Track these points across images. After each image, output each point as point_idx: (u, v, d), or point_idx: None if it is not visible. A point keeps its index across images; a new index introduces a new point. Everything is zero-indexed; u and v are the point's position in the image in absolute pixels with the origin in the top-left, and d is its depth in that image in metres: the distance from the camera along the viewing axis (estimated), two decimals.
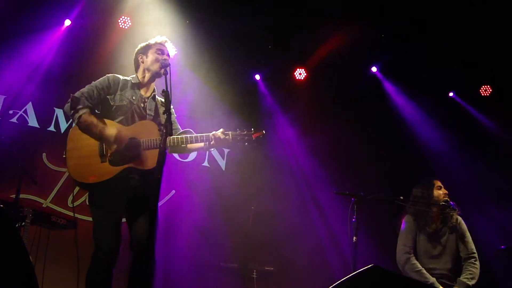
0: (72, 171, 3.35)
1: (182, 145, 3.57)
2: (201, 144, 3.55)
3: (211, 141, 3.45)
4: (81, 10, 6.28)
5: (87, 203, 3.50)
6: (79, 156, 3.37)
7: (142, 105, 3.58)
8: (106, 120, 3.45)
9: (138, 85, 3.63)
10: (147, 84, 3.67)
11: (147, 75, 3.67)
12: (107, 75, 3.64)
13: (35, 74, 6.15)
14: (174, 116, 3.81)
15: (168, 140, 3.27)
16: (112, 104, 3.50)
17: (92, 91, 3.49)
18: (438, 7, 6.08)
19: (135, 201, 3.38)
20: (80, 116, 3.39)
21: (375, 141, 7.27)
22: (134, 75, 3.71)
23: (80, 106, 3.40)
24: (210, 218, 6.64)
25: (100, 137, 3.35)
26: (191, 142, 3.49)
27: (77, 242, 3.85)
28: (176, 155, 6.82)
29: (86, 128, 3.38)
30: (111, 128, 3.36)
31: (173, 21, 6.25)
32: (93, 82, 3.58)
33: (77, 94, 3.46)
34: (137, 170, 3.35)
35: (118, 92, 3.53)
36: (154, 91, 3.72)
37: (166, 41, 3.76)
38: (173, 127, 3.66)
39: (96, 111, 3.54)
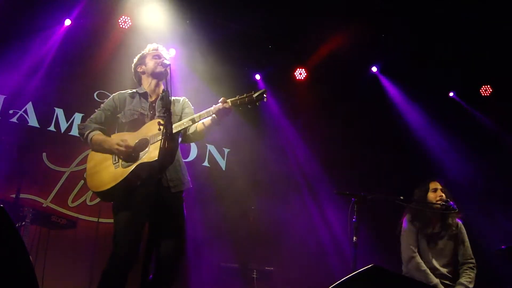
0: (91, 186, 3.42)
1: (192, 130, 3.52)
2: (209, 121, 3.46)
3: (215, 115, 3.36)
4: (81, 10, 6.28)
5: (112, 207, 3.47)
6: (95, 171, 3.43)
7: (152, 111, 3.57)
8: (119, 135, 3.49)
9: (145, 95, 3.63)
10: (154, 91, 3.66)
11: (153, 82, 3.66)
12: (112, 95, 3.68)
13: (35, 74, 6.15)
14: (191, 109, 3.71)
15: (175, 129, 3.24)
16: (124, 121, 3.53)
17: (100, 115, 3.58)
18: (438, 7, 6.08)
19: (160, 210, 3.16)
20: (91, 138, 3.47)
21: (375, 141, 7.27)
22: (140, 87, 3.70)
23: (89, 130, 3.49)
24: (210, 218, 6.64)
25: (110, 149, 3.39)
26: (197, 121, 3.38)
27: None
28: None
29: (98, 147, 3.46)
30: (113, 138, 3.43)
31: (173, 21, 6.25)
32: (97, 109, 3.64)
33: (87, 121, 3.58)
34: (148, 166, 3.32)
35: (127, 108, 3.55)
36: (162, 92, 3.69)
37: (158, 46, 3.74)
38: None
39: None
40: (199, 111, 3.43)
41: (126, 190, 3.31)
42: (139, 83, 3.75)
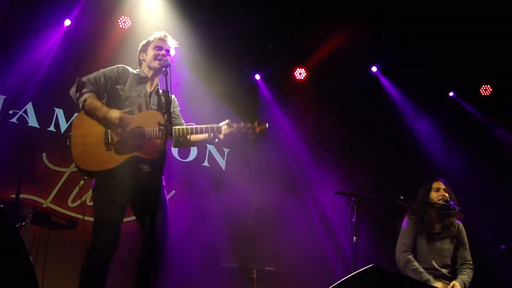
0: (76, 158, 3.32)
1: (187, 136, 3.56)
2: (205, 136, 3.51)
3: (217, 133, 3.42)
4: (81, 9, 6.28)
5: (92, 192, 3.46)
6: (84, 143, 3.33)
7: (149, 99, 3.59)
8: (114, 110, 3.44)
9: (144, 79, 3.64)
10: (151, 79, 3.68)
11: (150, 72, 3.68)
12: (116, 65, 3.65)
13: (35, 74, 6.15)
14: (178, 110, 3.80)
15: (173, 131, 3.26)
16: (121, 94, 3.50)
17: (99, 77, 3.49)
18: (438, 7, 6.08)
19: (143, 194, 3.30)
20: (85, 99, 3.38)
21: (375, 140, 7.27)
22: (141, 70, 3.71)
23: (86, 90, 3.39)
24: (210, 218, 6.64)
25: (105, 120, 3.33)
26: (196, 133, 3.45)
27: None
28: (176, 155, 6.82)
29: (91, 112, 3.36)
30: (116, 111, 3.36)
31: (173, 21, 6.25)
32: (101, 69, 3.57)
33: (83, 78, 3.45)
34: (144, 160, 3.33)
35: (128, 83, 3.54)
36: (157, 85, 3.73)
37: (165, 35, 3.74)
38: (177, 121, 3.66)
39: (103, 100, 3.51)
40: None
41: (114, 175, 3.28)
42: (139, 67, 3.75)
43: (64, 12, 6.27)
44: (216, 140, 3.51)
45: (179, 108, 3.87)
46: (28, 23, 6.06)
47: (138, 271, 3.23)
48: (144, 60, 3.72)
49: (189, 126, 3.48)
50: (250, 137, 3.40)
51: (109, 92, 3.52)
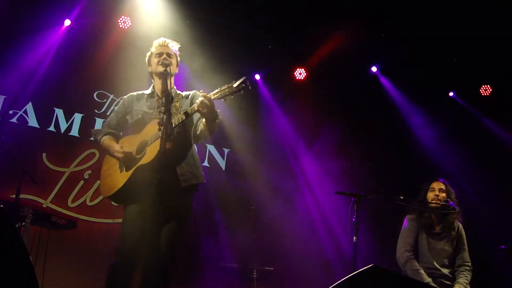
0: (103, 191, 3.62)
1: (199, 130, 3.47)
2: (203, 120, 3.40)
3: (201, 109, 3.19)
4: (81, 10, 6.28)
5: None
6: (107, 175, 3.59)
7: (159, 109, 3.51)
8: (126, 138, 3.62)
9: (152, 95, 3.64)
10: (160, 89, 3.63)
11: (159, 81, 3.64)
12: (122, 97, 3.76)
13: (35, 74, 6.15)
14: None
15: (174, 123, 3.21)
16: (131, 121, 3.62)
17: (112, 118, 3.72)
18: (438, 7, 6.08)
19: (162, 200, 3.18)
20: (102, 143, 3.63)
21: (375, 140, 7.27)
22: (149, 88, 3.71)
23: (101, 135, 3.66)
24: (210, 218, 6.64)
25: (113, 155, 3.51)
26: (190, 114, 3.26)
27: None
28: None
29: (107, 152, 3.61)
30: (115, 145, 3.52)
31: (173, 21, 6.25)
32: (115, 107, 3.83)
33: (102, 124, 3.80)
34: (145, 166, 3.32)
35: (134, 108, 3.62)
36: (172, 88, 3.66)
37: (164, 41, 3.72)
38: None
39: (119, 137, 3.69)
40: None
41: (131, 192, 3.37)
42: (154, 81, 3.73)
43: (64, 12, 6.28)
44: (204, 114, 3.32)
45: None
46: (28, 23, 6.06)
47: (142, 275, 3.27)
48: (151, 73, 3.72)
49: (178, 116, 3.30)
50: (233, 96, 3.24)
51: (125, 125, 3.72)
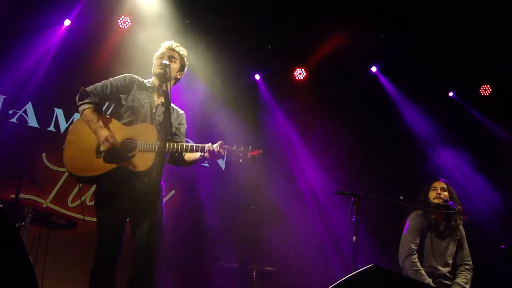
0: (66, 162, 3.40)
1: (180, 155, 3.55)
2: (197, 155, 3.47)
3: (205, 153, 3.36)
4: (81, 10, 6.29)
5: (93, 203, 3.51)
6: (77, 148, 3.41)
7: (154, 110, 3.56)
8: (111, 120, 3.47)
9: (152, 89, 3.63)
10: (158, 89, 3.65)
11: (157, 82, 3.65)
12: (124, 74, 3.65)
13: (35, 74, 6.15)
14: (184, 128, 3.75)
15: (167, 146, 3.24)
16: (123, 103, 3.52)
17: (105, 87, 3.54)
18: (438, 7, 6.08)
19: (138, 205, 3.36)
20: (83, 110, 3.45)
21: (375, 140, 7.27)
22: (151, 79, 3.70)
23: (87, 101, 3.46)
24: (210, 218, 6.63)
25: (96, 135, 3.39)
26: (187, 151, 3.40)
27: None
28: None
29: (86, 123, 3.44)
30: (105, 130, 3.38)
31: (173, 21, 6.25)
32: (110, 78, 3.61)
33: (89, 88, 3.52)
34: (131, 172, 3.33)
35: (132, 93, 3.54)
36: (161, 91, 3.68)
37: (171, 45, 3.72)
38: (178, 140, 3.62)
39: (101, 112, 3.54)
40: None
41: (104, 188, 3.36)
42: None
43: (64, 12, 6.28)
44: (206, 162, 3.51)
45: (186, 126, 3.78)
46: (28, 23, 6.06)
47: (128, 280, 3.29)
48: (153, 73, 3.70)
49: (180, 144, 3.37)
50: (242, 161, 3.34)
51: (114, 101, 3.59)
